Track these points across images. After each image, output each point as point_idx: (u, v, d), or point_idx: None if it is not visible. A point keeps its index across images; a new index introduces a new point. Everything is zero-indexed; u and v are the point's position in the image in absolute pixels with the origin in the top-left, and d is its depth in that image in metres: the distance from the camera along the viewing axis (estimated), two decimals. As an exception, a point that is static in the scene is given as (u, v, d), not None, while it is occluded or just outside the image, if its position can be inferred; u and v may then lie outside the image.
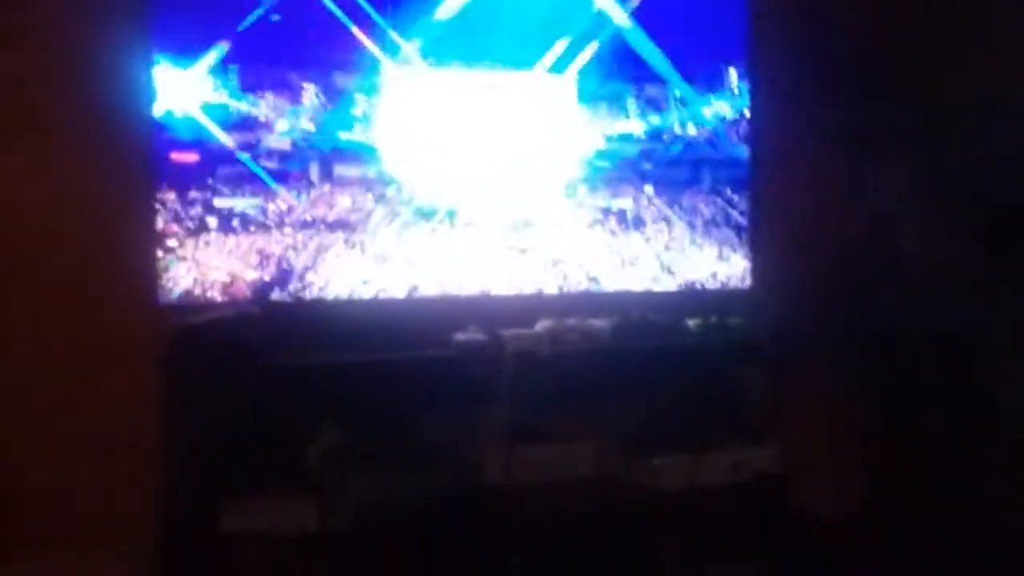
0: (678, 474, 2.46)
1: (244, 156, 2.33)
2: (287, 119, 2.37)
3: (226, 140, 2.32)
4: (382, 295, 2.47)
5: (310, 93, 2.39)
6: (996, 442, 2.63)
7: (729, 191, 2.81)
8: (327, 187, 2.42)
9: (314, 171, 2.41)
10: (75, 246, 2.29)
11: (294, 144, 2.39)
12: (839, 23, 2.90)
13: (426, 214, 2.51)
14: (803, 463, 2.66)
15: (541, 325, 2.49)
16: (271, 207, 2.37)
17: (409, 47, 2.45)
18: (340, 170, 2.43)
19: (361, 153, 2.44)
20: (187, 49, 2.27)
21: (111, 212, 2.31)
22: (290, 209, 2.39)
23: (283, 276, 2.38)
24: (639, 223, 2.72)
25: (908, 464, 2.79)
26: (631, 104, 2.70)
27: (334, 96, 2.41)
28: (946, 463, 2.69)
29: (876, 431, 2.89)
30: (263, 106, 2.35)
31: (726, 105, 2.80)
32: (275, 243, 2.37)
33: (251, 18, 2.32)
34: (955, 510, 2.63)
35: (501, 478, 2.41)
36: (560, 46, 2.60)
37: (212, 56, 2.29)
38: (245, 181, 2.34)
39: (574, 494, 2.45)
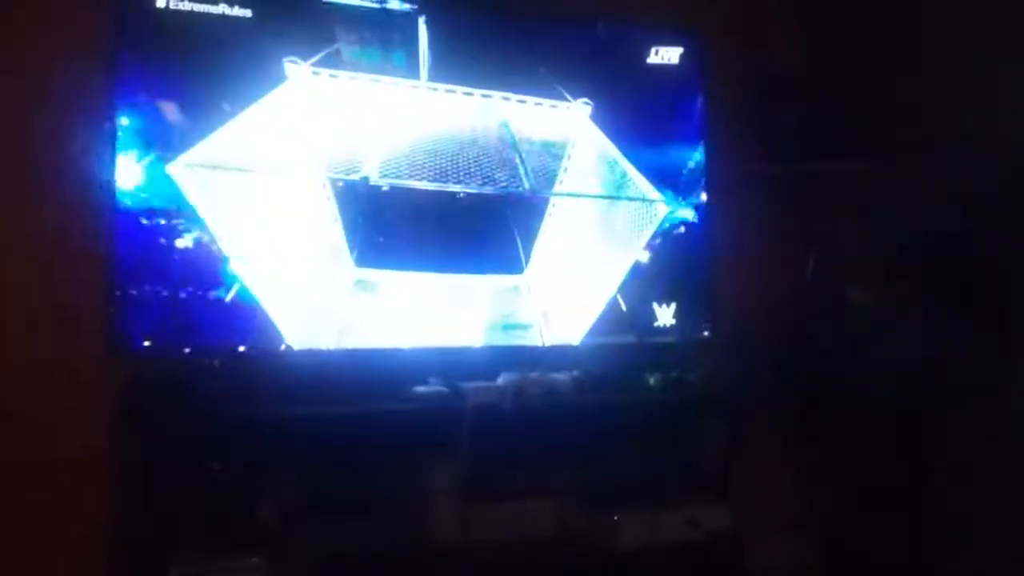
0: (636, 531, 2.46)
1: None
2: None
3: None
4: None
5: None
6: (953, 501, 2.67)
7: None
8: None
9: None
10: (30, 293, 2.22)
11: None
12: (786, 81, 2.96)
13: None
14: (758, 521, 2.67)
15: (503, 378, 2.47)
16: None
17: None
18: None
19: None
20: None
21: (67, 257, 2.25)
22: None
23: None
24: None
25: (863, 522, 2.83)
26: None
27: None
28: (902, 521, 2.73)
29: (831, 489, 2.93)
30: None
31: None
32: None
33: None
34: (911, 571, 2.66)
35: (459, 534, 2.39)
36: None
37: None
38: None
39: (532, 551, 2.44)
